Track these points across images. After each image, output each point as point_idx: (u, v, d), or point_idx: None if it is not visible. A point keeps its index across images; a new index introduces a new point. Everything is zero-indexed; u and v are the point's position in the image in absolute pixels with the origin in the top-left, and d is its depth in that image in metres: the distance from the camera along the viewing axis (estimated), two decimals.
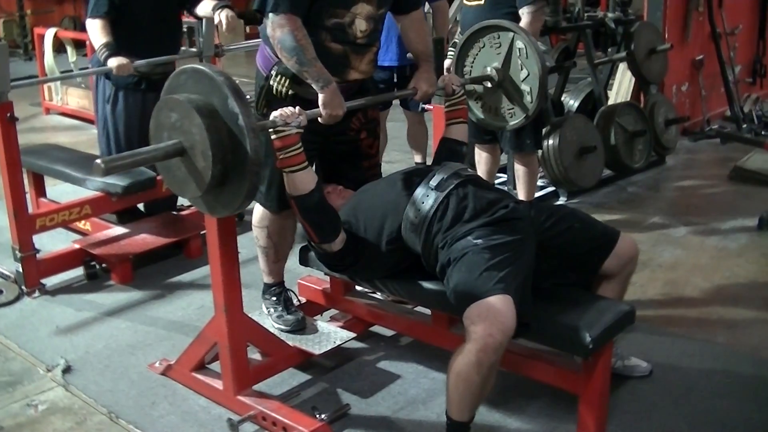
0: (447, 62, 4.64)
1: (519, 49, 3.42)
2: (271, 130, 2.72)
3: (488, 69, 3.50)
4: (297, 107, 2.75)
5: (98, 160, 2.35)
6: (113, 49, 4.16)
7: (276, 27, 2.96)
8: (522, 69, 3.44)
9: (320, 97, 2.92)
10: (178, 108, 2.50)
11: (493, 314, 2.48)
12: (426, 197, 2.84)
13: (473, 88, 3.58)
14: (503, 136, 4.57)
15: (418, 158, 5.54)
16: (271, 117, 2.69)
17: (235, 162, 2.49)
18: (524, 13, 4.25)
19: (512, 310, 2.51)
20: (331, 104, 2.92)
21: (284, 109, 2.73)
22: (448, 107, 3.30)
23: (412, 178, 2.94)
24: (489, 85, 3.53)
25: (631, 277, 3.05)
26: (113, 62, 4.13)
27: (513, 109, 3.56)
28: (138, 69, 4.27)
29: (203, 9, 4.42)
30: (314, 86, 2.94)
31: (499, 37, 3.47)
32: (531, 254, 2.76)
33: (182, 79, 2.61)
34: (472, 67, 3.59)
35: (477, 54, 3.57)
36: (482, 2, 4.41)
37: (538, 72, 3.41)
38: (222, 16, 4.18)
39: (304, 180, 2.80)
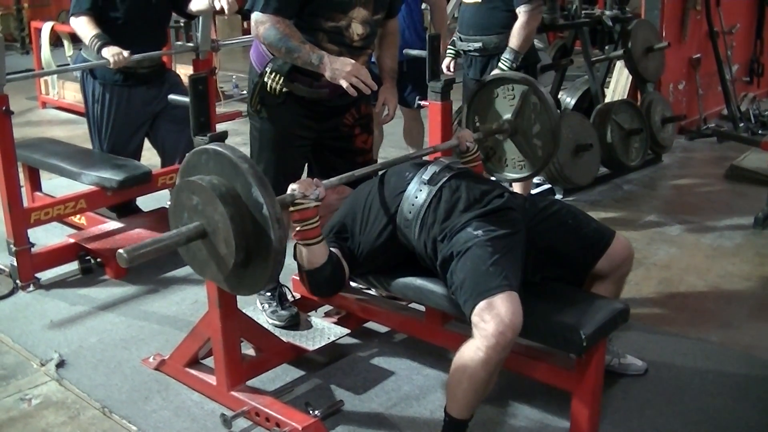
0: (446, 60, 4.65)
1: (534, 103, 3.41)
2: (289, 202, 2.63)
3: (500, 122, 3.49)
4: (315, 179, 2.69)
5: (121, 250, 2.30)
6: (105, 38, 4.14)
7: (259, 25, 3.01)
8: (535, 124, 3.43)
9: (326, 72, 2.94)
10: (200, 192, 2.43)
11: (503, 312, 2.48)
12: (419, 191, 2.84)
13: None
14: None
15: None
16: (289, 190, 2.61)
17: (258, 249, 2.43)
18: (521, 12, 4.25)
19: (520, 307, 2.51)
20: (339, 69, 2.92)
21: (302, 180, 2.66)
22: (463, 164, 3.23)
23: (405, 173, 2.93)
24: (501, 138, 3.53)
25: (626, 277, 3.05)
26: (107, 52, 4.10)
27: (522, 162, 3.55)
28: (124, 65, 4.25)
29: (198, 3, 4.41)
30: (312, 67, 2.96)
31: (512, 89, 3.46)
32: (523, 247, 2.76)
33: (203, 160, 2.53)
34: (484, 117, 3.58)
35: (489, 105, 3.56)
36: (479, 0, 4.42)
37: (550, 128, 3.41)
38: (223, 2, 4.18)
39: (317, 254, 2.71)
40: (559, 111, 5.59)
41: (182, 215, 2.53)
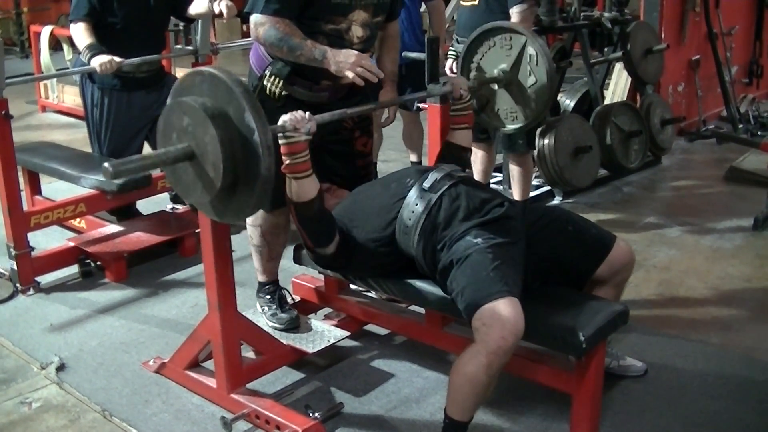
0: (448, 62, 4.64)
1: (530, 55, 3.40)
2: (279, 134, 2.65)
3: (495, 71, 3.49)
4: (307, 112, 2.69)
5: (106, 164, 2.30)
6: (96, 49, 4.16)
7: (258, 26, 3.01)
8: (530, 75, 3.42)
9: (330, 66, 2.94)
10: (191, 113, 2.43)
11: (504, 317, 2.48)
12: (419, 199, 2.83)
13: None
14: (496, 136, 4.58)
15: (413, 157, 5.54)
16: (280, 121, 2.62)
17: (246, 175, 2.44)
18: (513, 13, 4.27)
19: (521, 312, 2.51)
20: (344, 61, 2.92)
21: (294, 113, 2.66)
22: (454, 111, 3.26)
23: (406, 180, 2.93)
24: (495, 87, 3.52)
25: (626, 282, 3.05)
26: (96, 61, 4.12)
27: (515, 113, 3.55)
28: (122, 69, 4.25)
29: (197, 7, 4.41)
30: (316, 62, 2.96)
31: (510, 39, 3.44)
32: (523, 255, 2.76)
33: (197, 81, 2.53)
34: (479, 65, 3.57)
35: (486, 53, 3.53)
36: (476, 2, 4.42)
37: (545, 82, 3.40)
38: (222, 6, 4.18)
39: (307, 188, 2.74)
40: (558, 116, 5.60)
41: (171, 135, 2.54)
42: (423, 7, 5.11)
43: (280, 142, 2.64)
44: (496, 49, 3.50)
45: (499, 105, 3.57)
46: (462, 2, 4.52)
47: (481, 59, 3.55)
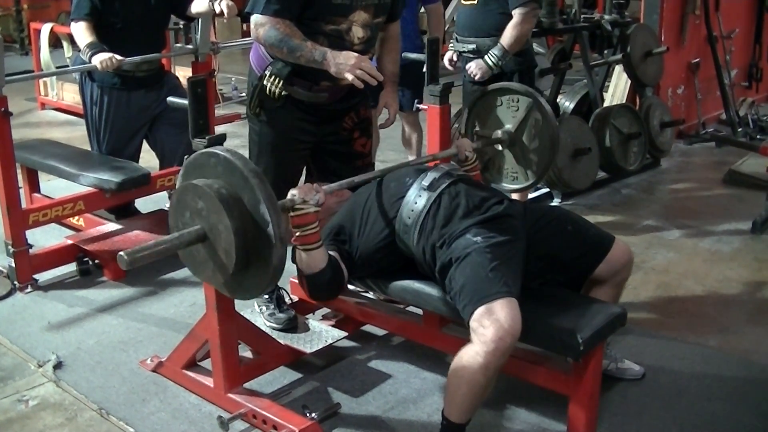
0: (448, 54, 4.64)
1: (536, 119, 3.42)
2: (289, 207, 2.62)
3: (500, 132, 3.50)
4: (315, 184, 2.68)
5: (122, 253, 2.30)
6: (97, 47, 4.16)
7: (258, 27, 3.02)
8: (534, 139, 3.44)
9: (330, 68, 2.94)
10: (206, 199, 2.42)
11: (502, 318, 2.48)
12: (419, 197, 2.83)
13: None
14: None
15: (412, 159, 5.53)
16: (289, 195, 2.61)
17: (257, 261, 2.44)
18: (516, 14, 4.26)
19: (519, 312, 2.51)
20: (343, 63, 2.92)
21: (302, 186, 2.66)
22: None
23: (405, 179, 2.93)
24: (499, 147, 3.53)
25: (625, 283, 3.05)
26: (96, 59, 4.12)
27: (516, 173, 3.56)
28: (122, 68, 4.25)
29: (198, 6, 4.42)
30: (316, 64, 2.96)
31: (517, 101, 3.47)
32: (523, 254, 2.76)
33: (212, 162, 2.51)
34: (484, 124, 3.58)
35: (491, 112, 3.56)
36: (475, 2, 4.42)
37: (548, 146, 3.42)
38: (223, 5, 4.19)
39: (317, 258, 2.70)
40: (557, 117, 5.59)
41: (184, 214, 2.53)
42: (422, 9, 5.11)
43: (290, 215, 2.61)
44: (502, 109, 3.52)
45: (503, 165, 3.59)
46: (462, 2, 4.52)
47: (487, 118, 3.57)
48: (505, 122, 3.52)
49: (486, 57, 4.28)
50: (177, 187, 2.64)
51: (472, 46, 4.48)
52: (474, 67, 4.31)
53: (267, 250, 2.39)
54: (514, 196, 4.59)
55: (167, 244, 2.44)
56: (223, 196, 2.40)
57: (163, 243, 2.43)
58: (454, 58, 4.62)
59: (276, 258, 2.39)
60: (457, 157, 3.24)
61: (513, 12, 4.28)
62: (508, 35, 4.26)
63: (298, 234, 2.63)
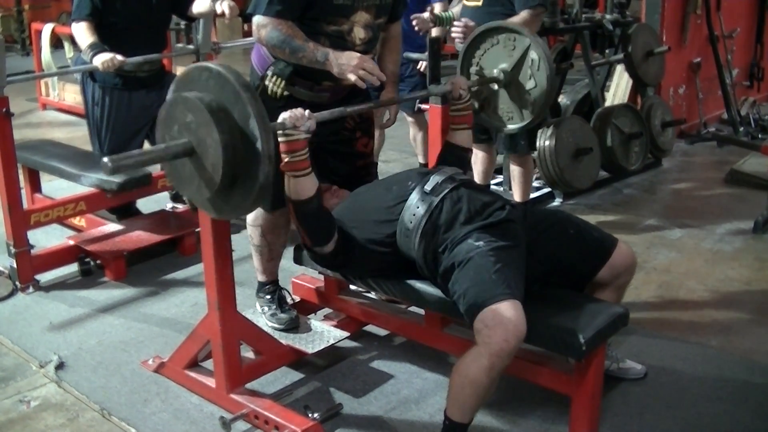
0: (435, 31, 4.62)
1: (532, 59, 3.40)
2: (279, 132, 2.63)
3: (495, 71, 3.49)
4: (307, 110, 2.68)
5: (105, 159, 2.28)
6: (98, 48, 4.16)
7: (260, 28, 3.02)
8: (530, 79, 3.42)
9: (333, 69, 2.94)
10: (196, 112, 2.41)
11: (507, 319, 2.48)
12: (421, 202, 2.83)
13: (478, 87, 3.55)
14: (497, 137, 4.58)
15: (421, 159, 5.53)
16: (280, 119, 2.61)
17: (245, 176, 2.44)
18: (523, 14, 4.25)
19: (523, 314, 2.52)
20: (346, 64, 2.91)
21: (294, 111, 2.65)
22: (454, 112, 3.25)
23: (407, 182, 2.93)
24: (495, 87, 3.52)
25: (627, 285, 3.05)
26: (98, 60, 4.12)
27: (512, 113, 3.54)
28: (124, 68, 4.25)
29: (199, 6, 4.42)
30: (318, 65, 2.96)
31: (514, 40, 3.44)
32: (524, 258, 2.76)
33: (203, 77, 2.50)
34: (480, 62, 3.56)
35: (488, 50, 3.52)
36: (479, 2, 4.42)
37: (545, 87, 3.40)
38: (225, 6, 4.19)
39: (305, 186, 2.72)
40: (559, 117, 5.60)
41: (172, 127, 2.52)
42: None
43: (280, 139, 2.62)
44: (498, 48, 3.49)
45: (498, 104, 3.56)
46: (465, 2, 4.50)
47: (482, 56, 3.54)
48: (500, 62, 3.49)
49: None
50: (167, 99, 2.63)
51: None
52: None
53: (254, 167, 2.39)
54: (516, 191, 4.61)
55: (153, 154, 2.45)
56: (213, 109, 2.39)
57: (149, 153, 2.44)
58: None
59: (263, 175, 2.39)
60: (451, 94, 3.23)
61: (520, 14, 4.27)
62: None
63: (287, 159, 2.65)
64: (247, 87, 2.42)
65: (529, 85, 3.42)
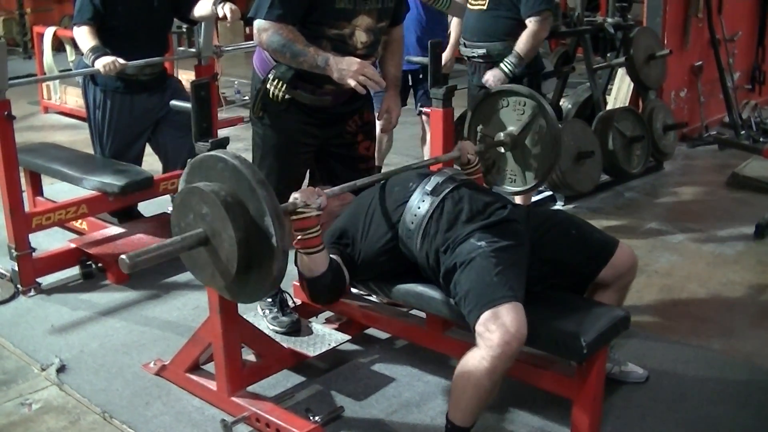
0: (446, 53, 4.62)
1: (540, 125, 3.42)
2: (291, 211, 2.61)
3: (502, 135, 3.50)
4: (317, 188, 2.67)
5: (123, 256, 2.29)
6: (100, 51, 4.16)
7: (261, 32, 3.02)
8: (537, 145, 3.44)
9: (333, 74, 2.94)
10: (212, 206, 2.41)
11: (509, 322, 2.48)
12: (422, 202, 2.83)
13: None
14: None
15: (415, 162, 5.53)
16: (291, 199, 2.60)
17: (258, 270, 2.44)
18: (531, 22, 4.25)
19: (524, 317, 2.51)
20: (346, 69, 2.93)
21: (304, 189, 2.65)
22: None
23: (408, 184, 2.93)
24: (502, 150, 3.54)
25: (629, 287, 3.05)
26: (99, 63, 4.12)
27: (515, 176, 3.57)
28: (125, 72, 4.26)
29: (201, 9, 4.42)
30: (319, 69, 2.97)
31: (524, 104, 3.47)
32: (526, 258, 2.76)
33: (219, 167, 2.49)
34: (489, 124, 3.58)
35: (497, 112, 3.56)
36: (484, 6, 4.41)
37: (550, 156, 3.42)
38: (226, 9, 4.19)
39: (318, 262, 2.69)
40: (560, 121, 5.60)
41: (187, 215, 2.52)
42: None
43: (292, 218, 2.60)
44: (508, 111, 3.52)
45: (502, 164, 3.60)
46: (470, 5, 4.50)
47: (490, 120, 3.57)
48: (508, 125, 3.51)
49: (502, 65, 4.27)
50: (181, 186, 2.63)
51: (481, 51, 4.47)
52: (491, 78, 4.26)
53: (269, 261, 2.40)
54: (517, 199, 4.59)
55: (169, 248, 2.43)
56: (229, 205, 2.39)
57: (165, 246, 2.42)
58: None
59: (277, 270, 2.40)
60: (459, 159, 3.24)
61: (527, 20, 4.27)
62: (523, 43, 4.27)
63: (299, 237, 2.62)
64: (263, 184, 2.40)
65: (535, 150, 3.44)
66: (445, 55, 4.55)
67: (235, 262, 2.40)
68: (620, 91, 6.57)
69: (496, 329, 2.47)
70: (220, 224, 2.40)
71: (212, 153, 2.58)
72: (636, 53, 5.84)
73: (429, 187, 2.86)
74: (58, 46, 8.25)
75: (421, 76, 4.92)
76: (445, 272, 2.73)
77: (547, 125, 3.41)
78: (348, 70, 2.92)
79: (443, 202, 2.81)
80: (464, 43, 4.62)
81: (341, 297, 2.97)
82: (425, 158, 5.49)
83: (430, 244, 2.79)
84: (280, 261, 2.39)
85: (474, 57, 4.55)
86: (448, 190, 2.84)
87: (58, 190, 5.15)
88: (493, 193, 3.14)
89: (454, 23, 4.99)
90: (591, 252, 2.91)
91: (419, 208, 2.82)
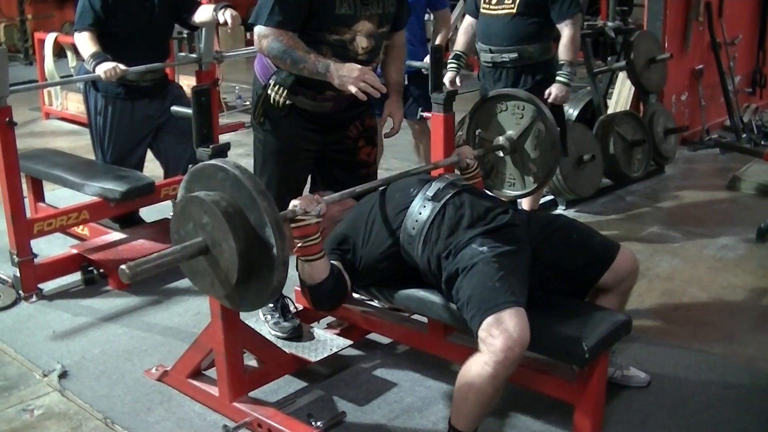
0: (449, 75, 4.58)
1: (539, 129, 3.42)
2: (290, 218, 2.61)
3: (501, 139, 3.51)
4: (316, 195, 2.68)
5: (123, 266, 2.30)
6: (101, 57, 4.17)
7: (261, 38, 3.02)
8: (536, 149, 3.44)
9: (333, 81, 2.95)
10: (212, 216, 2.41)
11: (511, 327, 2.48)
12: (423, 208, 2.83)
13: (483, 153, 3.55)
14: None
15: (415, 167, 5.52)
16: (291, 206, 2.60)
17: (257, 280, 2.45)
18: (566, 26, 4.25)
19: (527, 322, 2.51)
20: (347, 76, 2.93)
21: (304, 197, 2.66)
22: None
23: (409, 189, 2.93)
24: (501, 154, 3.54)
25: (630, 291, 3.05)
26: (100, 69, 4.13)
27: (515, 180, 3.57)
28: (126, 78, 4.27)
29: (201, 15, 4.43)
30: (319, 76, 2.97)
31: (523, 109, 3.47)
32: (528, 263, 2.76)
33: (220, 177, 2.49)
34: (488, 128, 3.59)
35: (496, 115, 3.56)
36: (513, 10, 4.33)
37: (549, 160, 3.43)
38: (227, 15, 4.20)
39: (319, 269, 2.69)
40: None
41: (187, 224, 2.53)
42: (427, 16, 5.09)
43: (292, 226, 2.60)
44: (506, 114, 3.52)
45: (501, 168, 3.61)
46: (489, 11, 4.44)
47: (489, 122, 3.57)
48: (507, 129, 3.52)
49: (559, 78, 4.26)
50: (181, 194, 2.63)
51: (513, 55, 4.37)
52: (557, 93, 4.26)
53: (268, 271, 2.40)
54: (524, 203, 4.59)
55: (169, 257, 2.44)
56: (230, 216, 2.39)
57: (165, 256, 2.43)
58: (458, 82, 4.55)
59: (276, 280, 2.41)
60: (458, 164, 3.25)
61: (562, 26, 4.26)
62: (567, 50, 4.30)
63: (299, 245, 2.63)
64: (264, 194, 2.40)
65: (534, 154, 3.44)
66: (449, 76, 4.52)
67: (235, 272, 2.40)
68: (621, 95, 6.57)
69: (499, 334, 2.47)
70: (220, 234, 2.40)
71: (212, 162, 2.58)
72: (636, 57, 5.84)
73: (430, 193, 2.86)
74: (59, 52, 8.26)
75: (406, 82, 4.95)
76: (447, 278, 2.73)
77: (546, 129, 3.42)
78: (349, 76, 2.92)
79: (444, 208, 2.81)
80: (489, 49, 4.49)
81: (342, 304, 2.97)
82: (421, 163, 5.51)
83: (432, 250, 2.78)
84: (280, 271, 2.39)
85: (504, 62, 4.45)
86: (450, 195, 2.84)
87: (60, 196, 5.16)
88: (494, 198, 3.14)
89: (439, 30, 4.97)
90: (592, 256, 2.90)
91: (420, 213, 2.82)
